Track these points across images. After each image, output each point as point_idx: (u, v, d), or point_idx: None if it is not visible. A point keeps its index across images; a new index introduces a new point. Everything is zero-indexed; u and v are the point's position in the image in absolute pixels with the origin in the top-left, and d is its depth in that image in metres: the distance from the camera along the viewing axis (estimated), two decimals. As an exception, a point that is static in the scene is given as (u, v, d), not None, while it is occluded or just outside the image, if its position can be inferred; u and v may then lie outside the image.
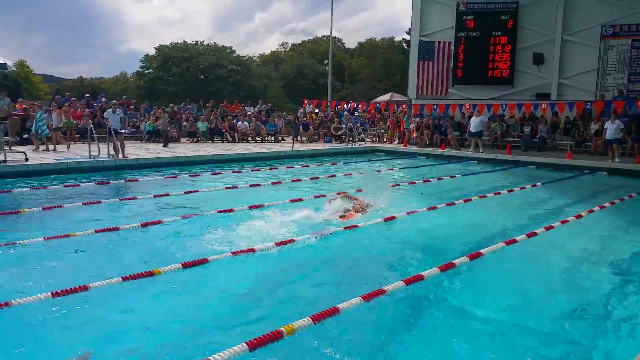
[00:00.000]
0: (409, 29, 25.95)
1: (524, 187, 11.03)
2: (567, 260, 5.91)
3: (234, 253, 5.33)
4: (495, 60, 21.55)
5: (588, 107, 17.46)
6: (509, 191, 10.49)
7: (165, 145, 16.98)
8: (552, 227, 7.06)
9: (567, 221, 7.56)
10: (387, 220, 7.16)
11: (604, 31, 19.38)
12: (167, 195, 8.87)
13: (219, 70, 50.89)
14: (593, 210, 8.43)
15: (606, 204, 9.03)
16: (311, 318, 3.57)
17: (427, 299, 4.61)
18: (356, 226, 6.72)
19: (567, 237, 6.83)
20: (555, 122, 18.88)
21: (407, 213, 7.63)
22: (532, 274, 5.42)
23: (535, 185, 11.47)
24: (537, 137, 18.25)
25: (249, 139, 20.79)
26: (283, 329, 3.37)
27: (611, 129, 15.08)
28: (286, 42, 76.14)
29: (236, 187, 10.00)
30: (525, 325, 4.10)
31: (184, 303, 4.33)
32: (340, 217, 7.20)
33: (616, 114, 15.62)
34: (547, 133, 18.42)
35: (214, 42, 56.95)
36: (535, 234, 6.64)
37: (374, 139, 22.51)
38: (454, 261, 5.21)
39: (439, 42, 22.39)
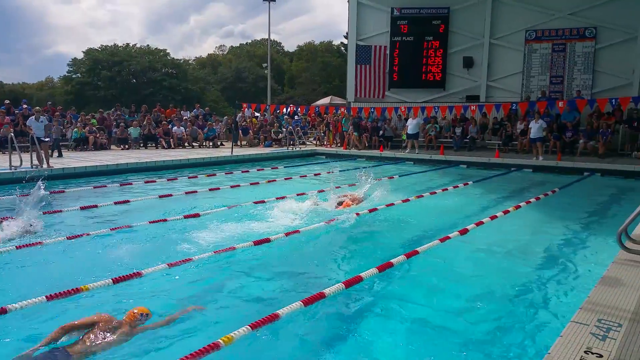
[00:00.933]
0: (347, 33, 26.31)
1: (457, 186, 11.46)
2: (496, 253, 6.23)
3: (170, 265, 5.18)
4: (428, 64, 22.29)
5: (514, 108, 18.41)
6: (443, 190, 10.85)
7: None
8: (482, 223, 7.39)
9: (496, 217, 7.94)
10: (328, 223, 7.24)
11: (528, 35, 20.53)
12: (96, 206, 8.46)
13: (152, 73, 49.33)
14: (520, 206, 8.88)
15: (532, 200, 9.55)
16: (250, 326, 3.57)
17: (365, 298, 4.69)
18: (298, 231, 6.74)
19: (496, 232, 7.19)
20: (484, 122, 19.76)
21: (349, 215, 7.72)
22: (464, 268, 5.66)
23: (467, 184, 11.94)
24: (468, 137, 19.05)
25: (186, 144, 20.29)
26: (220, 341, 3.33)
27: (535, 128, 15.98)
28: (224, 45, 74.97)
29: (171, 195, 9.73)
30: (457, 318, 4.27)
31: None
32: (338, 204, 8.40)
33: (539, 114, 16.57)
34: (476, 133, 19.25)
35: (147, 45, 55.15)
36: (467, 230, 6.92)
37: (316, 143, 22.63)
38: (392, 260, 5.34)
39: (375, 46, 22.87)
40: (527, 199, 9.59)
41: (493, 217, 7.86)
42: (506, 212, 8.32)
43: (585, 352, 2.93)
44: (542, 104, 17.58)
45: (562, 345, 3.02)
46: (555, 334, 3.27)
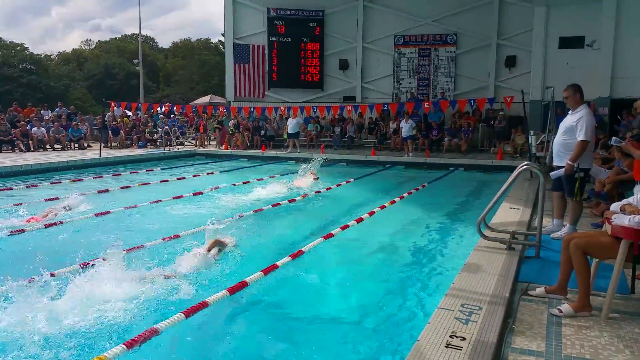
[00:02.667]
0: (224, 31, 25.82)
1: (340, 184, 11.79)
2: (370, 249, 6.49)
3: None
4: (306, 65, 22.73)
5: (385, 108, 19.48)
6: (327, 189, 11.06)
7: None
8: (362, 220, 7.66)
9: (374, 212, 8.28)
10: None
11: (397, 40, 21.84)
12: None
13: (7, 69, 44.13)
14: (395, 201, 9.38)
15: (404, 195, 10.13)
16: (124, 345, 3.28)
17: (256, 301, 4.62)
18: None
19: (374, 227, 7.51)
20: (361, 122, 20.66)
21: (234, 217, 7.54)
22: (347, 262, 5.85)
23: (349, 182, 12.33)
24: (347, 136, 19.77)
25: (47, 147, 18.41)
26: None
27: (405, 127, 17.09)
28: (91, 40, 69.23)
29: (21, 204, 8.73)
30: (330, 315, 4.37)
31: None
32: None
33: (409, 115, 17.73)
34: (354, 132, 20.06)
35: (0, 38, 49.23)
36: (348, 226, 7.14)
37: (195, 143, 21.86)
38: (277, 262, 5.31)
39: (254, 46, 22.76)
40: (401, 194, 10.14)
41: (371, 213, 8.19)
42: (383, 207, 8.73)
43: (450, 336, 3.14)
44: (410, 104, 18.82)
45: (430, 332, 3.20)
46: (425, 321, 3.46)
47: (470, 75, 21.03)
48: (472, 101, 17.71)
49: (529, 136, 10.62)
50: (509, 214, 6.99)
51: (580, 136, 5.40)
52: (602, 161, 8.29)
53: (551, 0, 16.91)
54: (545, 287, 4.05)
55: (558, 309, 3.65)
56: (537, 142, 11.18)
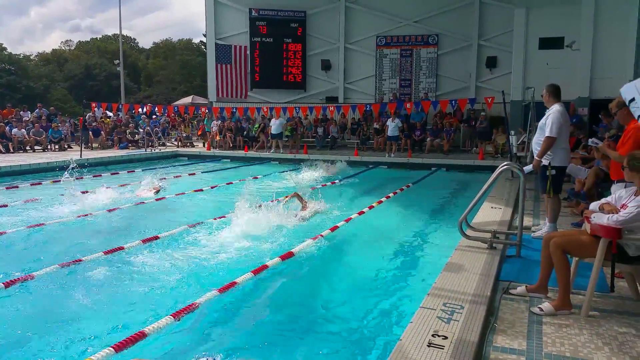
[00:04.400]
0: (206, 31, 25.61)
1: (325, 185, 11.74)
2: (356, 248, 6.49)
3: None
4: (288, 66, 22.68)
5: (368, 109, 19.52)
6: (312, 189, 10.97)
7: None
8: (350, 219, 7.66)
9: (363, 212, 8.28)
10: (189, 226, 6.91)
11: (378, 41, 21.91)
12: None
13: (-15, 70, 43.34)
14: (381, 201, 9.39)
15: (390, 195, 10.13)
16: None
17: (242, 303, 4.58)
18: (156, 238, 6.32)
19: (364, 226, 7.55)
20: (344, 122, 20.67)
21: (215, 219, 7.47)
22: (331, 262, 5.84)
23: (334, 183, 12.30)
24: (329, 137, 19.77)
25: (27, 148, 18.07)
26: None
27: (392, 126, 17.11)
28: (71, 40, 68.11)
29: (5, 206, 8.56)
30: (316, 315, 4.34)
31: None
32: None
33: (397, 114, 17.80)
34: (337, 133, 20.07)
35: (-23, 38, 48.25)
36: (337, 227, 7.14)
37: (177, 144, 21.62)
38: (267, 263, 5.32)
39: (236, 46, 22.63)
40: (385, 194, 10.13)
41: (361, 213, 8.20)
42: (371, 207, 8.74)
43: (432, 335, 3.14)
44: (392, 105, 18.89)
45: (412, 331, 3.20)
46: (408, 320, 3.46)
47: (451, 76, 21.19)
48: (453, 102, 17.84)
49: (510, 136, 10.74)
50: (490, 213, 7.05)
51: (546, 132, 5.51)
52: (582, 161, 8.40)
53: (531, 1, 17.12)
54: (526, 286, 4.08)
55: (539, 307, 3.68)
56: (518, 142, 11.31)
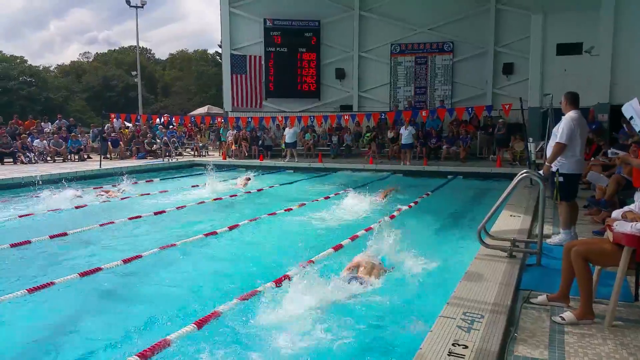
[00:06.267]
0: (221, 42, 25.93)
1: (338, 193, 11.66)
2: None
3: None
4: (303, 75, 22.81)
5: (382, 117, 19.49)
6: (325, 198, 10.96)
7: None
8: (371, 229, 7.57)
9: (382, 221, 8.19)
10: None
11: (393, 49, 21.94)
12: None
13: (7, 82, 44.23)
14: (401, 210, 9.30)
15: (412, 204, 10.01)
16: None
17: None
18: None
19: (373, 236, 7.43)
20: (358, 131, 20.67)
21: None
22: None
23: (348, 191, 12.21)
24: (344, 145, 19.78)
25: (48, 158, 18.42)
26: None
27: (405, 134, 17.00)
28: (89, 52, 69.56)
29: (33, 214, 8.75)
30: (330, 321, 4.31)
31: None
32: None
33: (410, 122, 17.74)
34: (351, 141, 20.08)
35: (0, 52, 49.41)
36: (357, 236, 7.10)
37: (194, 153, 21.85)
38: (288, 273, 5.24)
39: (250, 56, 22.85)
40: (404, 203, 10.05)
41: (368, 229, 8.10)
42: (392, 216, 8.66)
43: (453, 344, 3.11)
44: (407, 113, 18.84)
45: (432, 340, 3.17)
46: (427, 329, 3.43)
47: (467, 83, 21.09)
48: (470, 109, 17.74)
49: (528, 143, 10.60)
50: (510, 221, 6.97)
51: (557, 138, 5.46)
52: (602, 168, 8.27)
53: (548, 6, 16.98)
54: (547, 295, 4.02)
55: (560, 316, 3.62)
56: (537, 150, 11.17)
